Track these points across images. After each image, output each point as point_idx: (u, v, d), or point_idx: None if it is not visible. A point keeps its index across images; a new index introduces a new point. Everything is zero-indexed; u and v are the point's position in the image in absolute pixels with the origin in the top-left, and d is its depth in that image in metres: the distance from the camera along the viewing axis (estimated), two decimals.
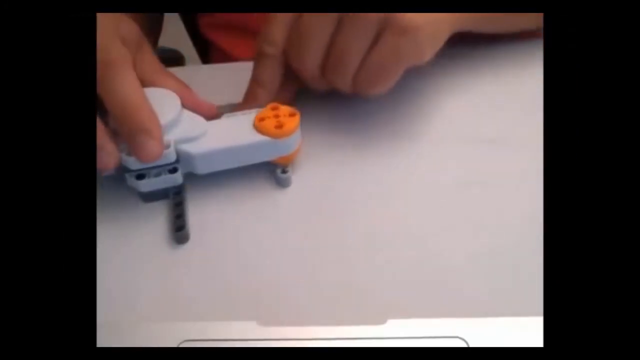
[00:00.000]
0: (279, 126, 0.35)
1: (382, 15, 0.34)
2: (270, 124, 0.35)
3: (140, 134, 0.32)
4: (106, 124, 0.34)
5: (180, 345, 0.27)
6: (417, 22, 0.34)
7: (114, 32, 0.35)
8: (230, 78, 0.46)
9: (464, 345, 0.26)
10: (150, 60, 0.38)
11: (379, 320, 0.27)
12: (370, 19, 0.34)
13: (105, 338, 0.26)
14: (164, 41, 0.68)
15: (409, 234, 0.33)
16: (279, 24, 0.37)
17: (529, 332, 0.26)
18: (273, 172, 0.37)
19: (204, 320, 0.28)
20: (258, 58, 0.38)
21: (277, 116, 0.36)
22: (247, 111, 0.37)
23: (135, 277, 0.32)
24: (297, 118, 0.36)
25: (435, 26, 0.35)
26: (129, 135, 0.33)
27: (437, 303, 0.30)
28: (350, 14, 0.34)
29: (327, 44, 0.35)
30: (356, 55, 0.35)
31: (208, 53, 0.66)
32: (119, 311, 0.30)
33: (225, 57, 0.58)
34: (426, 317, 0.27)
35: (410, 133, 0.39)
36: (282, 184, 0.36)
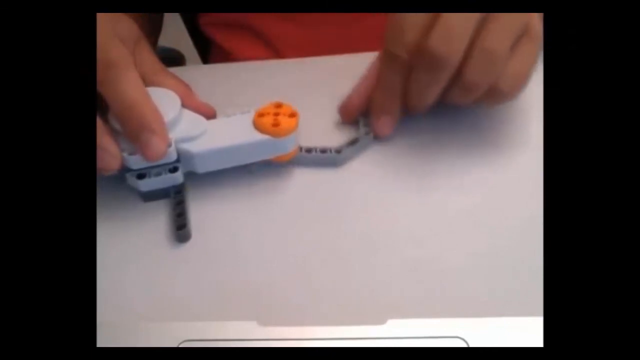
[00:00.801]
0: (277, 124, 0.35)
1: (524, 18, 0.33)
2: (269, 122, 0.35)
3: (146, 132, 0.33)
4: (105, 121, 0.34)
5: (180, 345, 0.27)
6: (540, 30, 0.34)
7: (113, 31, 0.35)
8: (230, 78, 0.46)
9: (464, 345, 0.26)
10: (150, 60, 0.38)
11: (379, 320, 0.27)
12: (517, 21, 0.33)
13: (105, 338, 0.26)
14: (164, 41, 0.68)
15: (409, 234, 0.33)
16: (413, 24, 0.33)
17: (529, 332, 0.26)
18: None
19: (204, 320, 0.28)
20: (387, 63, 0.35)
21: (277, 114, 0.36)
22: (245, 110, 0.37)
23: (135, 277, 0.32)
24: (297, 118, 0.36)
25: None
26: (134, 134, 0.33)
27: (437, 303, 0.30)
28: (494, 14, 0.32)
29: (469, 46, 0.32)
30: (503, 57, 0.33)
31: (208, 51, 0.66)
32: (119, 311, 0.30)
33: (226, 56, 0.58)
34: (426, 317, 0.27)
35: (411, 133, 0.39)
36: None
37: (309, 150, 0.37)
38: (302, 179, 0.37)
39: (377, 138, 0.38)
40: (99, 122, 0.33)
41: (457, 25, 0.32)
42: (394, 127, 0.38)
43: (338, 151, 0.37)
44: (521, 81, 0.34)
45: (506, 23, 0.32)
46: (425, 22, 0.33)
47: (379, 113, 0.38)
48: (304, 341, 0.27)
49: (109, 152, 0.32)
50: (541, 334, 0.25)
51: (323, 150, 0.37)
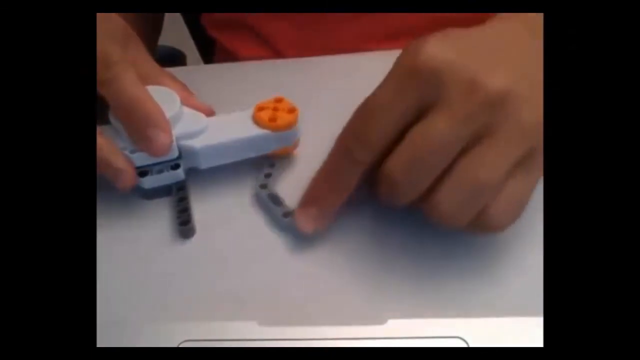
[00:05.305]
0: (274, 119, 0.35)
1: (529, 142, 0.27)
2: (267, 116, 0.36)
3: (151, 127, 0.33)
4: (103, 122, 0.34)
5: (180, 345, 0.27)
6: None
7: (108, 32, 0.35)
8: (231, 78, 0.46)
9: (464, 345, 0.26)
10: (145, 61, 0.38)
11: (379, 320, 0.27)
12: (518, 147, 0.26)
13: (105, 338, 0.27)
14: (165, 40, 0.68)
15: (409, 233, 0.33)
16: (382, 125, 0.27)
17: (529, 332, 0.26)
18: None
19: (204, 320, 0.28)
20: (344, 161, 0.29)
21: (275, 109, 0.36)
22: (244, 108, 0.37)
23: (136, 276, 0.32)
24: (296, 113, 0.36)
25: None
26: (139, 130, 0.33)
27: (437, 303, 0.30)
28: (493, 137, 0.26)
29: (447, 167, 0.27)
30: (494, 189, 0.27)
31: (212, 52, 0.66)
32: (119, 311, 0.30)
33: (229, 56, 0.58)
34: (426, 317, 0.27)
35: None
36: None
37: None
38: (303, 176, 0.37)
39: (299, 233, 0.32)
40: (107, 140, 0.33)
41: (426, 154, 0.26)
42: (322, 226, 0.32)
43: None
44: (516, 212, 0.28)
45: (505, 148, 0.26)
46: (394, 124, 0.27)
47: (311, 203, 0.31)
48: (304, 341, 0.27)
49: (126, 171, 0.33)
50: (541, 334, 0.25)
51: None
